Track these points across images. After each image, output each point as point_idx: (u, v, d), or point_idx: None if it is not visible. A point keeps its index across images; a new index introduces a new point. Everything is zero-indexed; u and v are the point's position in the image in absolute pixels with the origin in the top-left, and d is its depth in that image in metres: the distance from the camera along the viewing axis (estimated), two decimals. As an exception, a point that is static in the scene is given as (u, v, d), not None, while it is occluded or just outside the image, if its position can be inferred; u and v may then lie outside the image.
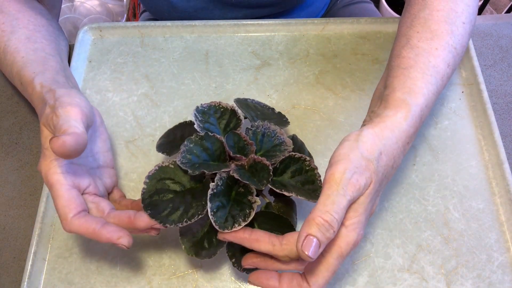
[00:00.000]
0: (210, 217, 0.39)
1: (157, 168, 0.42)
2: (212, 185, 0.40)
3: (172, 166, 0.42)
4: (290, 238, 0.37)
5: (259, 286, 0.38)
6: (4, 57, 0.50)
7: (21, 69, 0.48)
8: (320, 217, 0.33)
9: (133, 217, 0.40)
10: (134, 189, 0.51)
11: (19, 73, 0.48)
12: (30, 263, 0.46)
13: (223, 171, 0.41)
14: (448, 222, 0.49)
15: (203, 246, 0.42)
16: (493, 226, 0.48)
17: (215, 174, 0.41)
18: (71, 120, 0.39)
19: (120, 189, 0.48)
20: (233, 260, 0.41)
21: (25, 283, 0.45)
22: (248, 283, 0.46)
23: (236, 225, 0.39)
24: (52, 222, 0.49)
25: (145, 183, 0.41)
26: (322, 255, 0.36)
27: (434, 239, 0.48)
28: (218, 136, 0.43)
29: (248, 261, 0.40)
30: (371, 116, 0.42)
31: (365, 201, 0.37)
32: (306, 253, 0.33)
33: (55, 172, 0.39)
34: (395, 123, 0.39)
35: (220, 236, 0.40)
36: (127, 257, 0.47)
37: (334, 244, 0.36)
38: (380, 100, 0.43)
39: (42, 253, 0.47)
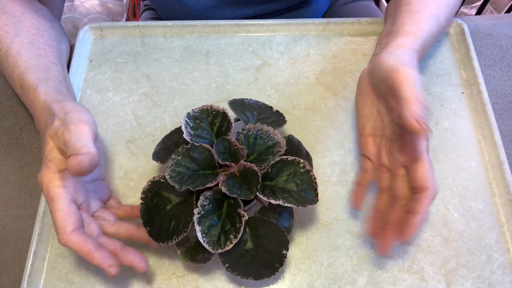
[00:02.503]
0: (201, 240, 0.39)
1: (149, 183, 0.42)
2: (196, 210, 0.40)
3: (163, 180, 0.42)
4: None
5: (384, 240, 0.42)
6: (6, 59, 0.50)
7: (24, 73, 0.48)
8: (418, 100, 0.39)
9: (119, 251, 0.41)
10: (134, 188, 0.51)
11: (21, 77, 0.48)
12: (30, 262, 0.46)
13: (207, 190, 0.41)
14: (448, 222, 0.49)
15: (198, 251, 0.42)
16: (493, 226, 0.48)
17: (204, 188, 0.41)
18: (83, 139, 0.39)
19: (116, 198, 0.48)
20: (227, 265, 0.41)
21: (25, 282, 0.45)
22: (247, 282, 0.46)
23: (228, 243, 0.39)
24: (52, 221, 0.49)
25: (141, 198, 0.42)
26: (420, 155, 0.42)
27: (434, 239, 0.48)
28: (205, 145, 0.42)
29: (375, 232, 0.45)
30: (386, 44, 0.49)
31: None
32: (423, 124, 0.38)
33: (57, 184, 0.39)
34: (409, 45, 0.48)
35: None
36: (127, 257, 0.47)
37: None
38: (389, 34, 0.51)
39: (42, 252, 0.47)
